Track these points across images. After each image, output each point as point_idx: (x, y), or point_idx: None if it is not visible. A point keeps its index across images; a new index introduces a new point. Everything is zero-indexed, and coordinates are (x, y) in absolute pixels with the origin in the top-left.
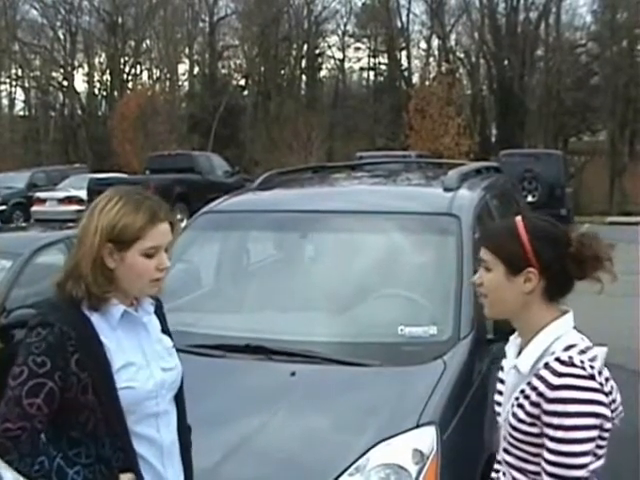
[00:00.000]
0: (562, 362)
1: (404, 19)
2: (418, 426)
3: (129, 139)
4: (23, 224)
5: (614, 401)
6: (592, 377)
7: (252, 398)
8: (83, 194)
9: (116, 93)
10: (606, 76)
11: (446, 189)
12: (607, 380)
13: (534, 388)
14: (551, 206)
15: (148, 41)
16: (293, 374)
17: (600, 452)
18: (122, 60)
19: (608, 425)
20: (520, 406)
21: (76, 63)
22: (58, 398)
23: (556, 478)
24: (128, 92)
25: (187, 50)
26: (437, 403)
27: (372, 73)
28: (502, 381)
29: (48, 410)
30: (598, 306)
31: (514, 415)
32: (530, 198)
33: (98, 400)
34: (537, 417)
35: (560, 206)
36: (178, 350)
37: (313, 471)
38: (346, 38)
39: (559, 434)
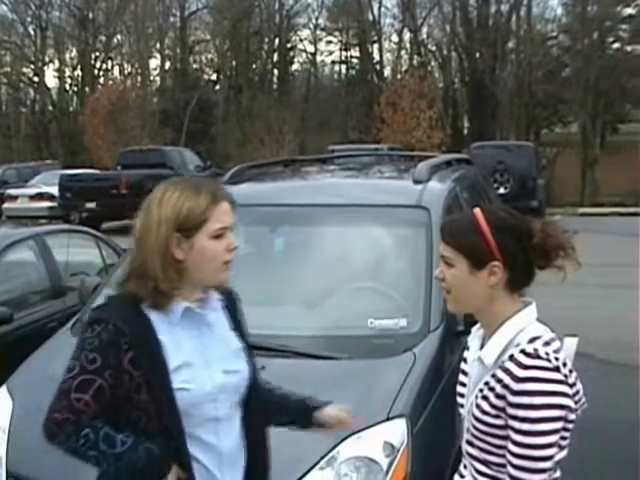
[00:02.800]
0: (527, 354)
1: (376, 12)
2: (388, 419)
3: (101, 135)
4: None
5: (577, 392)
6: (557, 369)
7: None
8: (55, 190)
9: (87, 88)
10: (577, 68)
11: (416, 181)
12: (571, 371)
13: (499, 380)
14: (523, 198)
15: (119, 36)
16: (262, 368)
17: (564, 443)
18: (93, 55)
19: (572, 416)
20: (484, 398)
21: (47, 59)
22: (108, 395)
23: (522, 470)
24: (99, 87)
25: (158, 45)
26: (407, 396)
27: (344, 66)
28: (465, 373)
29: (97, 407)
30: (568, 296)
31: (478, 407)
32: (502, 190)
33: (152, 400)
34: (502, 409)
35: (532, 198)
36: None
37: (283, 466)
38: (318, 32)
39: (525, 426)
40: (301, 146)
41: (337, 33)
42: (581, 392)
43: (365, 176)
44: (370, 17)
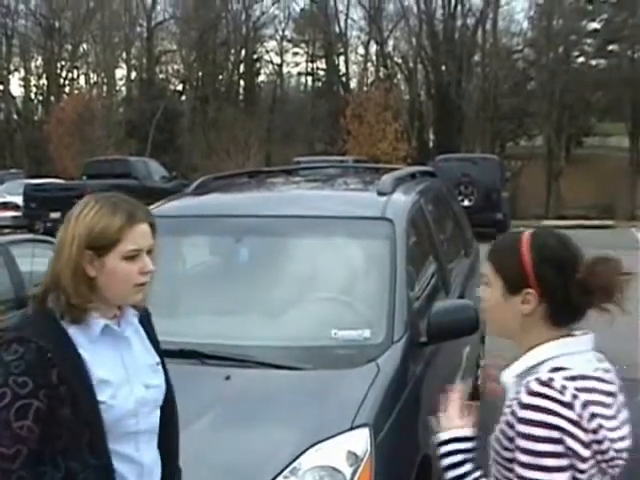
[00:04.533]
0: (540, 382)
1: (342, 24)
2: (352, 428)
3: (66, 144)
4: None
5: (599, 442)
6: (569, 405)
7: (185, 403)
8: (19, 200)
9: (53, 98)
10: (542, 82)
11: (380, 193)
12: (594, 416)
13: (510, 406)
14: (487, 210)
15: (85, 45)
16: (227, 378)
17: None
18: (59, 64)
19: (583, 466)
20: (506, 423)
21: (12, 67)
22: (46, 415)
23: None
24: (65, 97)
25: (124, 55)
26: (371, 405)
27: (310, 78)
28: None
29: (39, 430)
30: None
31: (501, 431)
32: (466, 202)
33: (76, 415)
34: (511, 439)
35: (496, 210)
36: None
37: (247, 476)
38: (284, 43)
39: (524, 458)
40: (267, 157)
41: (303, 45)
42: (612, 445)
43: (330, 188)
44: (337, 29)
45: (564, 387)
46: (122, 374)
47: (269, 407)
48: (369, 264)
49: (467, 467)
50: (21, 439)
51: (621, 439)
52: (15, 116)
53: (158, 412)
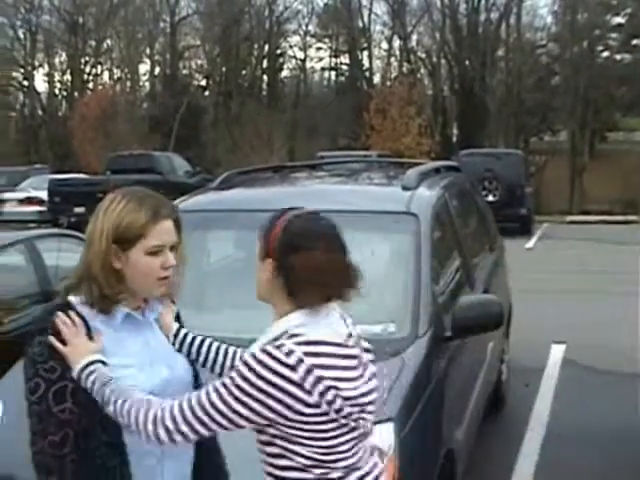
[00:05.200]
0: (271, 346)
1: (365, 19)
2: (376, 422)
3: (90, 139)
4: None
5: (331, 402)
6: (291, 368)
7: None
8: (44, 195)
9: (77, 93)
10: (566, 77)
11: (405, 188)
12: (320, 379)
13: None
14: (511, 206)
15: (109, 41)
16: None
17: (315, 443)
18: (83, 60)
19: (306, 419)
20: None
21: (36, 63)
22: (81, 395)
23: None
24: (89, 92)
25: (148, 50)
26: (395, 400)
27: (333, 73)
28: None
29: (78, 409)
30: (556, 302)
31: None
32: (490, 198)
33: (91, 398)
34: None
35: (520, 206)
36: None
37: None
38: (308, 38)
39: (223, 381)
40: (290, 152)
41: (327, 40)
42: (349, 402)
43: (354, 182)
44: (360, 24)
45: (291, 351)
46: (146, 357)
47: None
48: (394, 259)
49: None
50: (65, 422)
51: (363, 395)
52: (39, 112)
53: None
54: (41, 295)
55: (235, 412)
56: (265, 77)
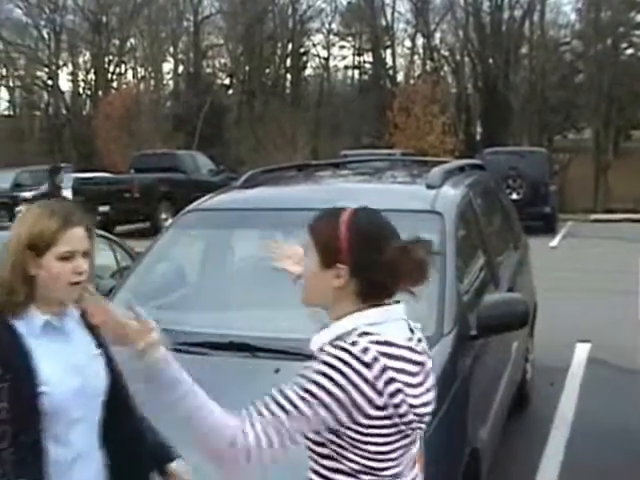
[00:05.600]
0: (345, 342)
1: (389, 17)
2: None
3: (113, 138)
4: (7, 224)
5: (398, 406)
6: (367, 365)
7: (236, 395)
8: (68, 194)
9: (100, 92)
10: (590, 74)
11: (429, 186)
12: (392, 381)
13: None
14: (535, 204)
15: (133, 40)
16: (277, 371)
17: (366, 448)
18: (106, 59)
19: (366, 421)
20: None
21: (60, 62)
22: (14, 394)
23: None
24: (112, 91)
25: (172, 49)
26: None
27: (357, 71)
28: None
29: (14, 409)
30: (579, 301)
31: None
32: (514, 196)
33: (16, 400)
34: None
35: (544, 204)
36: None
37: (300, 467)
38: (331, 36)
39: (297, 380)
40: (314, 151)
41: (350, 38)
42: (413, 410)
43: (378, 181)
44: (383, 22)
45: (367, 349)
46: (61, 366)
47: None
48: None
49: None
50: (1, 421)
51: (424, 405)
52: (64, 111)
53: (99, 402)
54: None
55: (315, 413)
56: (288, 76)
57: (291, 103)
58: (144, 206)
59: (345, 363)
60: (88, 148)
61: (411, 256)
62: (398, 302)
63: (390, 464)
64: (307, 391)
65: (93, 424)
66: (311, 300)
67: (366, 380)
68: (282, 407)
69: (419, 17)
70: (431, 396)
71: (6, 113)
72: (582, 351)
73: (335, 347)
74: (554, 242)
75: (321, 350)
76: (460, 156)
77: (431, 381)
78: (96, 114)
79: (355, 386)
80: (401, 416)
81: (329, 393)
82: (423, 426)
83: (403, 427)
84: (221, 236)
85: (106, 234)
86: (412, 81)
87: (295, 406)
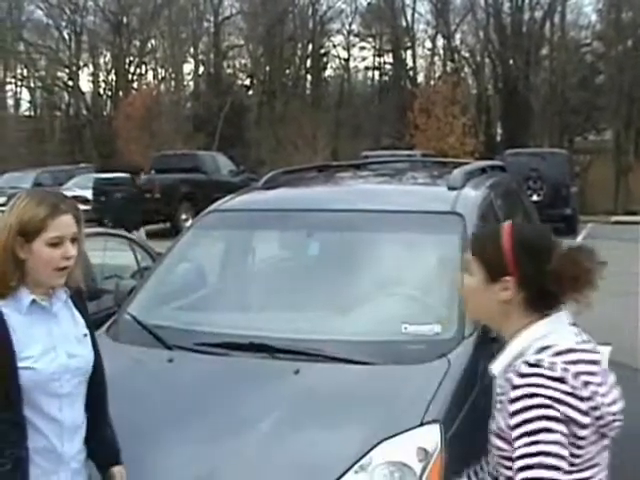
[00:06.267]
0: (529, 364)
1: (409, 18)
2: (422, 424)
3: (134, 139)
4: None
5: (596, 408)
6: (561, 380)
7: (254, 397)
8: (89, 194)
9: (121, 93)
10: (611, 75)
11: (450, 188)
12: (587, 384)
13: (504, 393)
14: (556, 206)
15: (153, 41)
16: (297, 372)
17: (576, 461)
18: (127, 60)
19: (582, 433)
20: (499, 411)
21: (81, 63)
22: None
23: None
24: (133, 92)
25: (192, 50)
26: (441, 401)
27: (377, 72)
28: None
29: None
30: (600, 304)
31: (494, 418)
32: (535, 197)
33: None
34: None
35: (565, 205)
36: (182, 348)
37: (317, 470)
38: (351, 37)
39: (517, 432)
40: (334, 152)
41: (370, 39)
42: (610, 409)
43: (399, 182)
44: (403, 23)
45: (553, 363)
46: (47, 343)
47: (338, 402)
48: (439, 259)
49: None
50: None
51: (613, 402)
52: (84, 111)
53: (84, 379)
54: (87, 293)
55: (547, 453)
56: (309, 77)
57: (311, 104)
58: (165, 207)
59: (543, 386)
60: (109, 148)
61: (576, 262)
62: (561, 309)
63: (595, 470)
64: (535, 432)
65: (80, 400)
66: (477, 316)
67: (567, 393)
68: (544, 465)
69: (439, 18)
70: (617, 393)
71: (27, 114)
72: (603, 354)
73: (524, 375)
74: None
75: (506, 376)
76: (480, 157)
77: (612, 378)
78: (116, 115)
79: (562, 402)
80: (599, 418)
81: (550, 419)
82: (618, 424)
83: (604, 430)
84: (242, 237)
85: (127, 234)
86: (432, 82)
87: (547, 453)
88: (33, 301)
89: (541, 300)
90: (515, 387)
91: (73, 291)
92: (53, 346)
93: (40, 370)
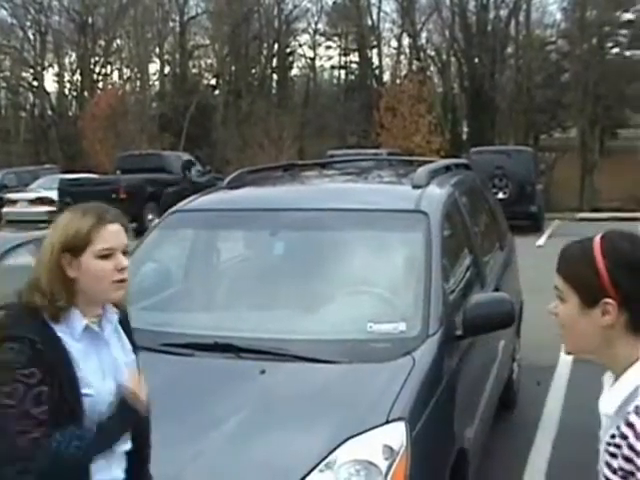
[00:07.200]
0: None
1: (375, 17)
2: (388, 422)
3: (100, 139)
4: None
5: None
6: None
7: (221, 396)
8: (54, 195)
9: (86, 93)
10: (576, 73)
11: (415, 186)
12: None
13: (624, 437)
14: (521, 203)
15: (118, 41)
16: (263, 372)
17: None
18: (92, 60)
19: None
20: (612, 455)
21: (46, 63)
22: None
23: None
24: (98, 92)
25: (157, 50)
26: (407, 399)
27: (343, 71)
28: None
29: (52, 412)
30: None
31: (607, 464)
32: (501, 195)
33: (60, 404)
34: (631, 473)
35: (530, 203)
36: (148, 349)
37: (283, 469)
38: (317, 37)
39: None
40: (300, 151)
41: (336, 38)
42: None
43: (364, 181)
44: (369, 22)
45: None
46: (100, 369)
47: (304, 401)
48: (404, 257)
49: None
50: (42, 423)
51: None
52: (49, 112)
53: None
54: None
55: None
56: (275, 76)
57: (277, 103)
58: (130, 207)
59: None
60: (74, 149)
61: None
62: None
63: None
64: None
65: (122, 453)
66: (579, 348)
67: None
68: None
69: (405, 17)
70: None
71: None
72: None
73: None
74: (540, 241)
75: (622, 417)
76: (446, 156)
77: None
78: (82, 115)
79: None
80: None
81: None
82: None
83: None
84: (206, 237)
85: None
86: (398, 81)
87: None
88: (86, 326)
89: None
90: (630, 447)
91: (121, 312)
92: (104, 373)
93: (96, 396)
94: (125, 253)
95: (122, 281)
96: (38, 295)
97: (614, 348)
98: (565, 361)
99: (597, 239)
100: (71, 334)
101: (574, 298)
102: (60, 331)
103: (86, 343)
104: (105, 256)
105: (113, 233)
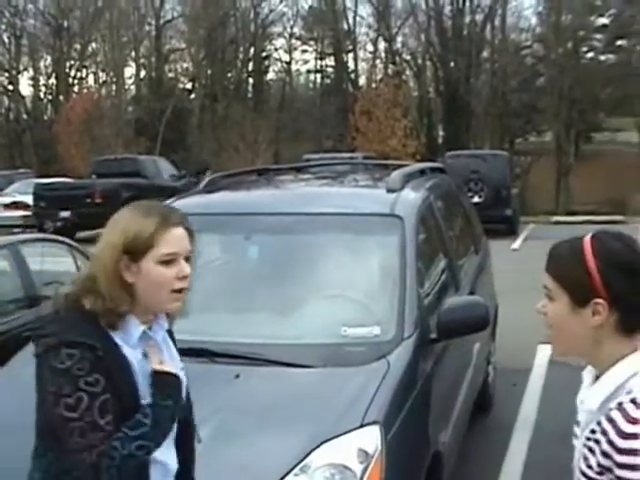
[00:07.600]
0: (636, 404)
1: (351, 21)
2: (362, 426)
3: (75, 143)
4: None
5: None
6: None
7: (194, 401)
8: (29, 199)
9: (62, 97)
10: (551, 77)
11: (389, 190)
12: None
13: (604, 432)
14: (497, 207)
15: (94, 44)
16: (237, 376)
17: None
18: (68, 64)
19: None
20: (591, 450)
21: (21, 67)
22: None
23: None
24: (74, 96)
25: (133, 53)
26: (381, 403)
27: (319, 75)
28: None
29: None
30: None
31: (585, 459)
32: (476, 199)
33: (116, 416)
34: (608, 469)
35: (505, 206)
36: None
37: (258, 474)
38: (293, 41)
39: None
40: (276, 155)
41: (312, 42)
42: None
43: (339, 185)
44: (345, 26)
45: None
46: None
47: (279, 405)
48: (379, 261)
49: None
50: (110, 433)
51: None
52: (24, 116)
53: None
54: (26, 300)
55: None
56: (251, 80)
57: (253, 107)
58: (106, 211)
59: (635, 436)
60: (49, 153)
61: None
62: None
63: None
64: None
65: (173, 436)
66: (569, 350)
67: None
68: None
69: (381, 21)
70: None
71: None
72: (544, 353)
73: (632, 421)
74: (516, 244)
75: (609, 415)
76: (422, 159)
77: None
78: (57, 119)
79: None
80: None
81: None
82: None
83: None
84: None
85: (67, 240)
86: (374, 85)
87: None
88: (143, 332)
89: (637, 320)
90: (625, 435)
91: (169, 320)
92: None
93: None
94: (188, 260)
95: (181, 290)
96: (94, 298)
97: (601, 347)
98: (540, 364)
99: (587, 239)
100: (126, 340)
101: (564, 297)
102: (117, 337)
103: (142, 350)
104: (167, 262)
105: (177, 237)
